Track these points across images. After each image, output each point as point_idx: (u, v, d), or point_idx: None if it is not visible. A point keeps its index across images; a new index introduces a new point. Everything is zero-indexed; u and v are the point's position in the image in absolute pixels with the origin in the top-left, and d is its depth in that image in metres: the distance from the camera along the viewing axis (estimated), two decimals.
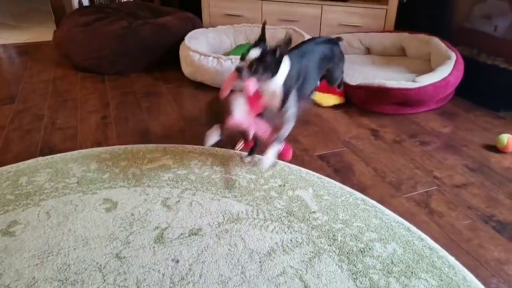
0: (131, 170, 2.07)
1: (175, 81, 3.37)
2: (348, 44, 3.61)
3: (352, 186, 1.97)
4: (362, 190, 1.95)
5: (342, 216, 1.77)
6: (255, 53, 1.74)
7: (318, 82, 2.39)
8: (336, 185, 1.98)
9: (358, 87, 2.80)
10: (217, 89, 3.18)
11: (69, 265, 1.50)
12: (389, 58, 3.48)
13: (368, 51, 3.64)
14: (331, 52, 2.28)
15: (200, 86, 3.21)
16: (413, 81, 2.67)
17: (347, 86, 2.91)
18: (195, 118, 2.72)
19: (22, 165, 2.11)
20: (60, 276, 1.46)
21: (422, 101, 2.73)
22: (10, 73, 3.72)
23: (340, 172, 2.11)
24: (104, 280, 1.44)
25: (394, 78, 2.86)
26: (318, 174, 2.06)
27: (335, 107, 2.87)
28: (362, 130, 2.55)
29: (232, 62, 2.99)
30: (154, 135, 2.50)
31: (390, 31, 3.61)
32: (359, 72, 3.09)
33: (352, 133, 2.51)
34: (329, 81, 2.48)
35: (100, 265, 1.50)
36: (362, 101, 2.86)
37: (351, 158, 2.24)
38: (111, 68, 3.55)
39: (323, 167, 2.15)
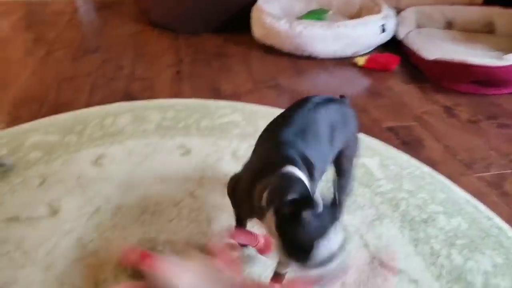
0: (204, 122, 2.19)
1: (244, 44, 3.42)
2: (428, 17, 3.42)
3: (420, 160, 1.95)
4: (431, 165, 1.92)
5: (407, 187, 1.77)
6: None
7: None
8: (403, 157, 1.96)
9: (435, 62, 2.68)
10: (286, 54, 3.24)
11: (149, 197, 1.67)
12: (473, 34, 3.25)
13: (449, 25, 3.42)
14: (342, 118, 1.33)
15: (269, 50, 3.24)
16: (500, 59, 2.50)
17: (421, 61, 2.79)
18: (263, 80, 2.78)
19: (107, 108, 2.32)
20: (141, 205, 1.63)
21: (507, 81, 2.56)
22: (93, 26, 3.99)
23: (409, 145, 2.08)
24: (179, 214, 1.59)
25: (477, 56, 2.69)
26: (386, 145, 2.05)
27: (407, 81, 2.77)
28: (435, 107, 2.47)
29: (304, 27, 2.98)
30: (224, 93, 2.60)
31: (479, 5, 3.36)
32: (437, 46, 2.94)
33: (424, 109, 2.43)
34: (338, 171, 1.45)
35: (176, 201, 1.65)
36: (438, 77, 2.73)
37: (421, 133, 2.19)
38: (185, 26, 3.67)
39: (391, 139, 2.12)
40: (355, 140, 1.44)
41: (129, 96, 2.50)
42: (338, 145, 1.32)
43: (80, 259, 1.42)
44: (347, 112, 1.37)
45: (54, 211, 1.61)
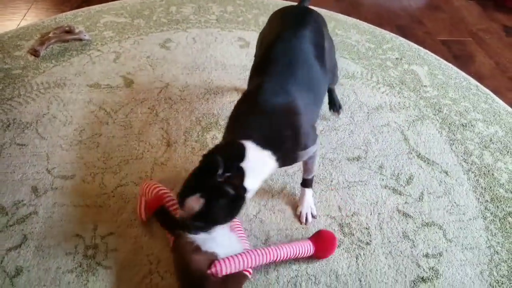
0: (262, 18, 2.28)
1: None
2: None
3: (469, 73, 2.01)
4: (478, 79, 1.98)
5: (452, 95, 1.87)
6: (194, 204, 0.98)
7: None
8: (452, 69, 2.03)
9: None
10: None
11: (212, 80, 1.85)
12: None
13: None
14: (319, 27, 1.34)
15: None
16: None
17: None
18: None
19: None
20: (205, 86, 1.82)
21: None
22: None
23: (460, 59, 2.13)
24: (239, 96, 1.77)
25: None
26: (436, 56, 2.10)
27: None
28: (493, 25, 2.43)
29: None
30: None
31: None
32: None
33: (481, 26, 2.41)
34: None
35: (236, 87, 1.83)
36: None
37: (474, 49, 2.21)
38: None
39: (443, 51, 2.16)
40: (330, 40, 1.42)
41: None
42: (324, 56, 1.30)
43: (153, 123, 1.65)
44: (319, 18, 1.36)
45: (129, 83, 1.83)
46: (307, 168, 1.33)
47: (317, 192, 1.42)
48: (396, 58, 2.06)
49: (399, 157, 1.58)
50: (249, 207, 1.36)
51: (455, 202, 1.44)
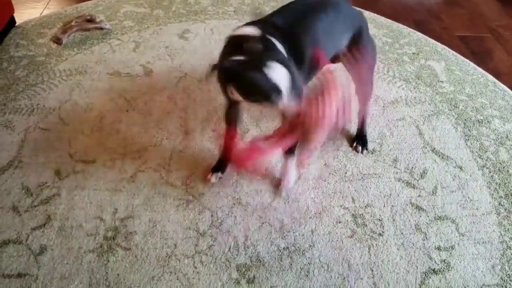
0: None
1: None
2: None
3: (487, 70, 2.00)
4: (496, 75, 1.97)
5: (469, 91, 1.86)
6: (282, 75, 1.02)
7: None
8: (470, 65, 2.02)
9: None
10: None
11: None
12: None
13: None
14: (353, 17, 1.38)
15: None
16: None
17: None
18: None
19: None
20: None
21: None
22: None
23: (477, 55, 2.11)
24: None
25: None
26: (453, 52, 2.09)
27: None
28: None
29: None
30: None
31: None
32: None
33: (501, 22, 2.38)
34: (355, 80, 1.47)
35: None
36: None
37: (492, 45, 2.20)
38: None
39: (460, 47, 2.15)
40: (368, 44, 1.42)
41: None
42: (345, 34, 1.34)
43: (172, 112, 1.69)
44: (364, 20, 1.40)
45: (148, 72, 1.86)
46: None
47: (331, 183, 1.45)
48: (413, 53, 2.06)
49: (413, 151, 1.59)
50: (264, 196, 1.40)
51: (468, 197, 1.45)
